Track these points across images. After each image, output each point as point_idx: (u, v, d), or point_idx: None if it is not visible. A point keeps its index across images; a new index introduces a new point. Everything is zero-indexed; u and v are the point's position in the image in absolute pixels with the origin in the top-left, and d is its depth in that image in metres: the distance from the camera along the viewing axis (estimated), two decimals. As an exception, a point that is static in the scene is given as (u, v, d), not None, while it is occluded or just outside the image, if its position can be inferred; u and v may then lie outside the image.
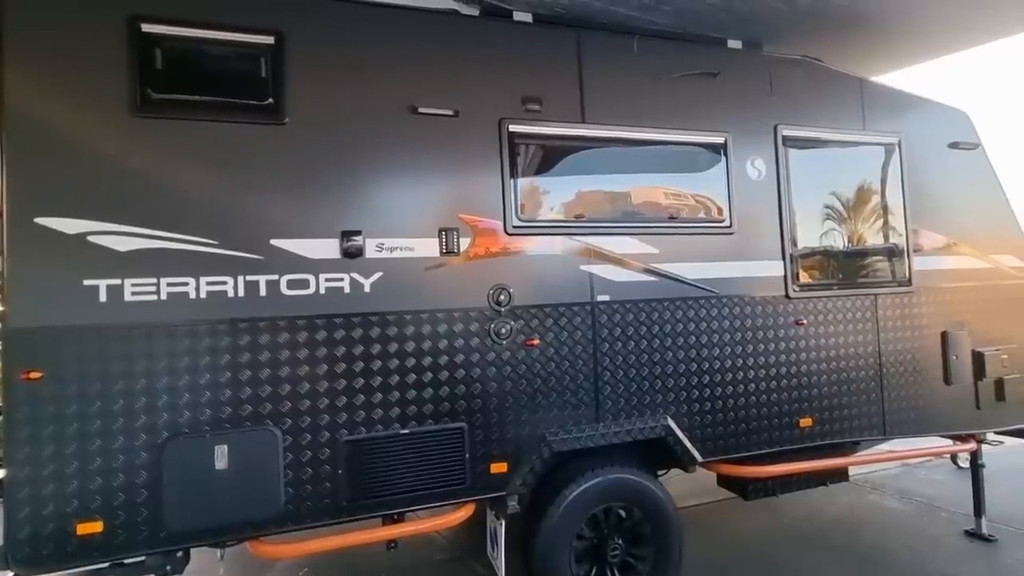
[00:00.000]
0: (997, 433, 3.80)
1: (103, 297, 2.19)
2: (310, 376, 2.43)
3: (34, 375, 2.10)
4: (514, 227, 2.75)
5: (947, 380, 3.51)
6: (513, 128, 2.77)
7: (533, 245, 2.80)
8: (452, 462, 2.61)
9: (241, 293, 2.34)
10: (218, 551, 2.55)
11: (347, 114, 2.54)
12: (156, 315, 2.24)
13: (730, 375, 3.08)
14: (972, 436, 3.76)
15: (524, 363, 2.74)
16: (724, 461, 3.14)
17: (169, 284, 2.27)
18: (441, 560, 3.74)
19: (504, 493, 2.69)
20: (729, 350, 3.09)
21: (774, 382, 3.17)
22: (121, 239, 2.22)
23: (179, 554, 2.38)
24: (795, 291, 3.25)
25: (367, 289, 2.51)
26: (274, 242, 2.40)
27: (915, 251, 3.54)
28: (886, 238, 3.57)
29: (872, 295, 3.44)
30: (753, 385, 3.12)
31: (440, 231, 2.63)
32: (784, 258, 3.24)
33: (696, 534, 3.84)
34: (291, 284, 2.41)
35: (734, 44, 3.34)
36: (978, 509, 3.88)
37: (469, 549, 3.77)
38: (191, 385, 2.28)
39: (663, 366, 2.97)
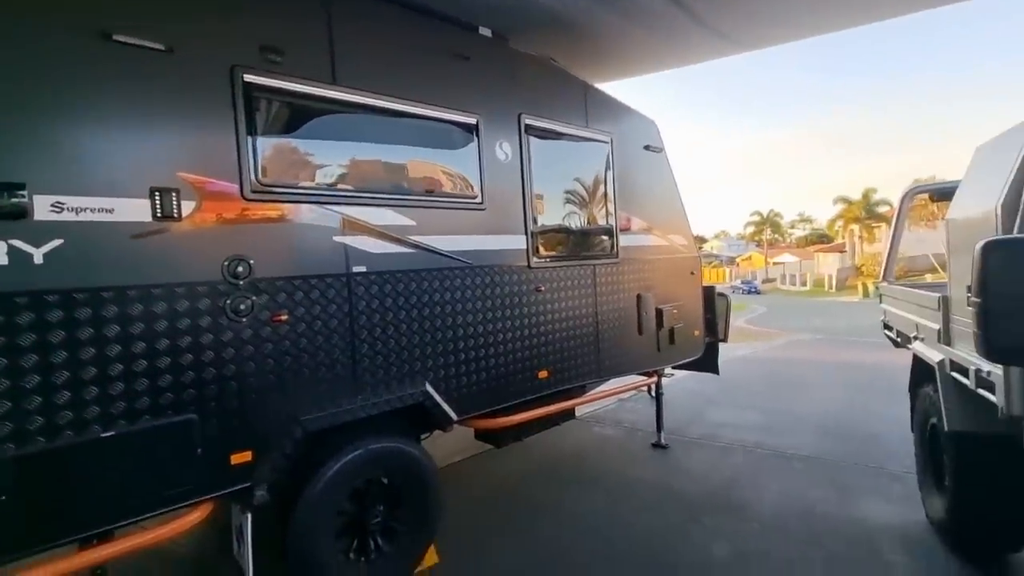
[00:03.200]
0: (671, 368, 5.10)
1: None
2: (-59, 379, 1.78)
3: None
4: (254, 192, 2.46)
5: (640, 331, 4.52)
6: (250, 78, 2.45)
7: (279, 213, 2.56)
8: (179, 460, 2.26)
9: None
10: None
11: (5, 24, 1.88)
12: None
13: (481, 339, 3.39)
14: (656, 372, 4.96)
15: (270, 341, 2.52)
16: (477, 417, 3.46)
17: None
18: (182, 571, 3.25)
19: (249, 484, 2.46)
20: (480, 316, 3.39)
21: (518, 342, 3.61)
22: None
23: None
24: (535, 262, 3.73)
25: (38, 260, 1.95)
26: None
27: (621, 231, 4.41)
28: (603, 219, 4.35)
29: (592, 265, 4.18)
30: (501, 346, 3.50)
31: (152, 191, 2.19)
32: (527, 233, 3.67)
33: (459, 485, 4.20)
34: None
35: (484, 32, 3.56)
36: (659, 426, 5.18)
37: (211, 551, 3.35)
38: None
39: (421, 334, 3.09)
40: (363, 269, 2.84)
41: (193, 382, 2.30)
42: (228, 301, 2.38)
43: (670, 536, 3.55)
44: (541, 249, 3.80)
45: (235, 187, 2.41)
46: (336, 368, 2.74)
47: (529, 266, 3.69)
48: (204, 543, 3.41)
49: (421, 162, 3.21)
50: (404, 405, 3.00)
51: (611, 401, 6.30)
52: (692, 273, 5.10)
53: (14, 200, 1.88)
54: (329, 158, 2.82)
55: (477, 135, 3.38)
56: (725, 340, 5.41)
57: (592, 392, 4.55)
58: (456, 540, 3.44)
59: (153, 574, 3.23)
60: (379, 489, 2.95)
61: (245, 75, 2.44)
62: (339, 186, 2.80)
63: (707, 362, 5.27)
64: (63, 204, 1.99)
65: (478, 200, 3.39)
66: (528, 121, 3.70)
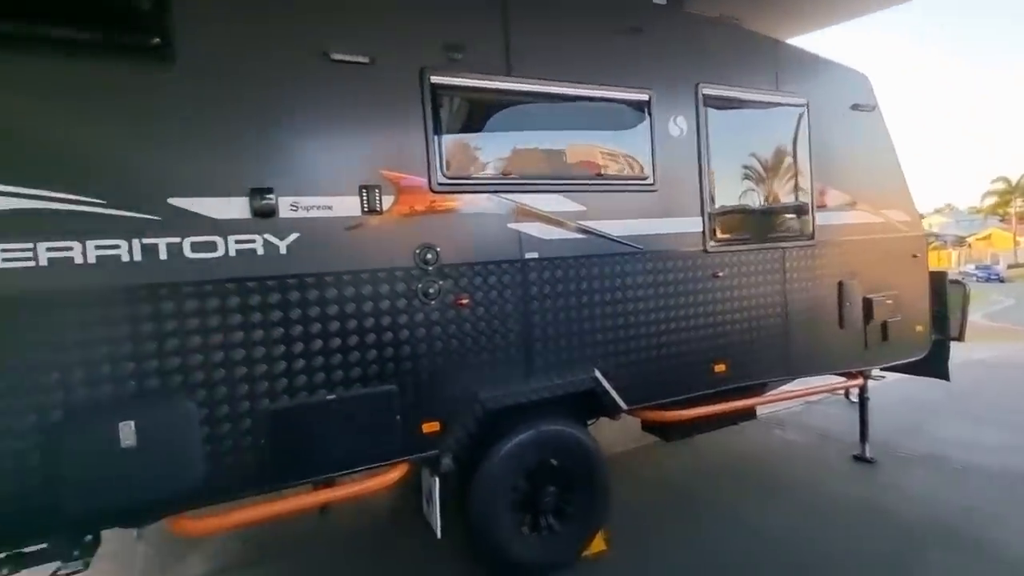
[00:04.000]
0: (881, 369, 4.29)
1: (-34, 265, 1.92)
2: (224, 344, 2.28)
3: None
4: (440, 184, 2.67)
5: (841, 324, 3.88)
6: (436, 79, 2.65)
7: (460, 203, 2.74)
8: (383, 424, 2.58)
9: (138, 257, 2.13)
10: (135, 531, 2.41)
11: (251, 59, 2.32)
12: (37, 282, 2.00)
13: (652, 327, 3.23)
14: (860, 373, 4.21)
15: (454, 323, 2.73)
16: (647, 407, 3.33)
17: (50, 249, 2.02)
18: (376, 521, 3.76)
19: (437, 452, 2.71)
20: (652, 303, 3.23)
21: (692, 332, 3.36)
22: (-18, 198, 1.94)
23: (88, 538, 2.23)
24: (712, 246, 3.42)
25: (283, 251, 2.37)
26: (173, 201, 2.19)
27: (818, 208, 3.81)
28: (795, 195, 3.81)
29: (781, 248, 3.69)
30: (674, 336, 3.30)
31: (361, 188, 2.51)
32: (703, 215, 3.39)
33: (625, 476, 4.11)
34: (196, 247, 2.22)
35: (658, 0, 3.34)
36: (863, 436, 4.41)
37: (404, 509, 3.81)
38: (87, 360, 2.07)
39: (591, 321, 3.06)
40: (535, 255, 2.90)
41: (393, 357, 2.60)
42: (419, 285, 2.64)
43: (879, 566, 3.00)
44: (719, 231, 3.47)
45: (424, 181, 2.64)
46: (511, 351, 2.86)
47: (705, 250, 3.40)
48: (400, 500, 3.90)
49: (590, 145, 3.16)
50: (574, 390, 3.01)
51: (796, 403, 5.56)
52: (915, 256, 4.20)
53: (266, 202, 2.32)
54: (503, 148, 2.93)
55: (649, 112, 3.20)
56: (961, 339, 4.36)
57: (776, 391, 4.06)
58: (621, 530, 3.37)
59: (360, 518, 3.78)
60: (550, 470, 3.02)
61: (432, 76, 2.64)
62: (512, 174, 2.89)
63: (933, 364, 4.31)
64: (298, 203, 2.39)
65: (648, 181, 3.22)
66: (707, 91, 3.38)
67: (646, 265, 3.21)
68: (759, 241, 3.63)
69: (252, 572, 3.23)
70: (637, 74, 3.17)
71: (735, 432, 4.36)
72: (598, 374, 3.06)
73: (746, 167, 3.68)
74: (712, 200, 3.43)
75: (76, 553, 2.20)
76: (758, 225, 3.69)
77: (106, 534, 2.34)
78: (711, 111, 3.41)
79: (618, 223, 3.12)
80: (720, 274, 3.45)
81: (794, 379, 3.91)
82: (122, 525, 2.30)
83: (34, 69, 2.01)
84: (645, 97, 3.19)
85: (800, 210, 3.80)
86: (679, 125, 3.32)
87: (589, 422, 3.34)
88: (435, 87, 2.65)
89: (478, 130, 2.88)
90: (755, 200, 3.70)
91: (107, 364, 2.11)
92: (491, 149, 2.90)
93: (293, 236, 2.39)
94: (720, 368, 3.45)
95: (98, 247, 2.08)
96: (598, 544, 3.22)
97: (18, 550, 2.12)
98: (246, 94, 2.31)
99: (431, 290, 2.66)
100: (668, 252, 3.28)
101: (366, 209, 2.51)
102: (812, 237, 3.79)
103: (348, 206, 2.48)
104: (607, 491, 3.14)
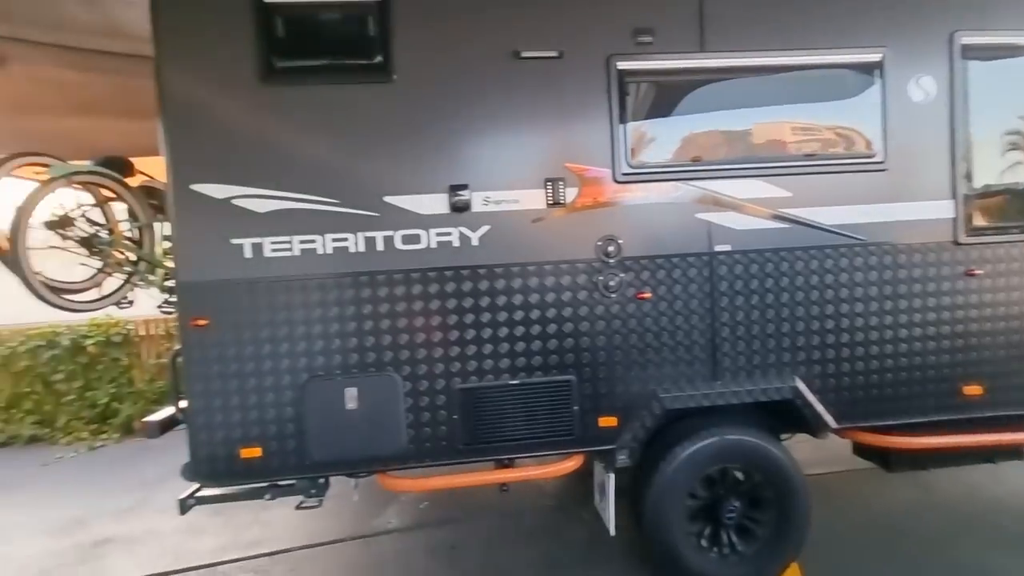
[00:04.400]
0: None
1: (248, 254, 2.44)
2: (425, 327, 2.54)
3: (201, 322, 2.43)
4: (624, 174, 2.59)
5: None
6: (623, 65, 2.56)
7: (644, 193, 2.62)
8: (561, 414, 2.62)
9: (361, 248, 2.49)
10: (353, 480, 2.85)
11: (451, 66, 2.51)
12: (292, 270, 2.47)
13: (876, 333, 2.71)
14: None
15: (635, 317, 2.63)
16: (864, 429, 2.81)
17: (301, 241, 2.47)
18: (549, 507, 3.87)
19: (613, 447, 2.66)
20: (876, 305, 2.70)
21: (933, 342, 2.73)
22: (259, 201, 2.44)
23: (321, 480, 2.70)
24: (967, 237, 2.72)
25: (475, 243, 2.54)
26: (388, 199, 2.50)
27: None
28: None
29: (1075, 239, 2.77)
30: (905, 345, 2.72)
31: (546, 182, 2.55)
32: (954, 197, 2.71)
33: (825, 504, 3.55)
34: (405, 239, 2.51)
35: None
36: None
37: (575, 498, 3.85)
38: (323, 334, 2.50)
39: (793, 322, 2.68)
40: (727, 248, 2.64)
41: (572, 348, 2.62)
42: (600, 278, 2.60)
43: None
44: (977, 218, 2.75)
45: (608, 171, 2.58)
46: (695, 350, 2.66)
47: (956, 241, 2.72)
48: (570, 488, 3.96)
49: (798, 121, 2.74)
50: (768, 399, 2.69)
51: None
52: None
53: (462, 197, 2.50)
54: (692, 132, 2.71)
55: (880, 74, 2.66)
56: None
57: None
58: (820, 567, 2.92)
59: (534, 501, 3.94)
60: (734, 482, 2.76)
61: (619, 63, 2.56)
62: (703, 160, 2.66)
63: None
64: (489, 198, 2.54)
65: (877, 158, 2.68)
66: (966, 40, 2.68)
67: (869, 260, 2.69)
68: (1040, 229, 2.78)
69: (435, 531, 3.60)
70: (866, 30, 2.65)
71: (988, 472, 3.45)
72: (800, 384, 2.68)
73: (1021, 134, 2.84)
74: (969, 179, 2.72)
75: (313, 491, 2.68)
76: (1039, 208, 2.82)
77: (333, 480, 2.81)
78: (972, 64, 2.69)
79: (833, 210, 2.67)
80: (977, 272, 2.73)
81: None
82: (345, 473, 2.73)
83: (306, 94, 2.44)
84: (876, 57, 2.65)
85: (1111, 187, 2.81)
86: (923, 87, 2.69)
87: (783, 436, 2.95)
88: (621, 73, 2.57)
89: (666, 115, 2.71)
90: (1034, 176, 2.83)
91: (338, 338, 2.51)
92: (679, 134, 2.71)
93: (484, 229, 2.54)
94: (972, 390, 2.75)
95: (334, 240, 2.48)
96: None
97: (275, 482, 2.66)
98: (447, 97, 2.51)
99: (612, 283, 2.60)
100: (901, 244, 2.70)
101: (550, 202, 2.55)
102: None
103: (534, 199, 2.55)
104: (804, 518, 2.74)
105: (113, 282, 3.33)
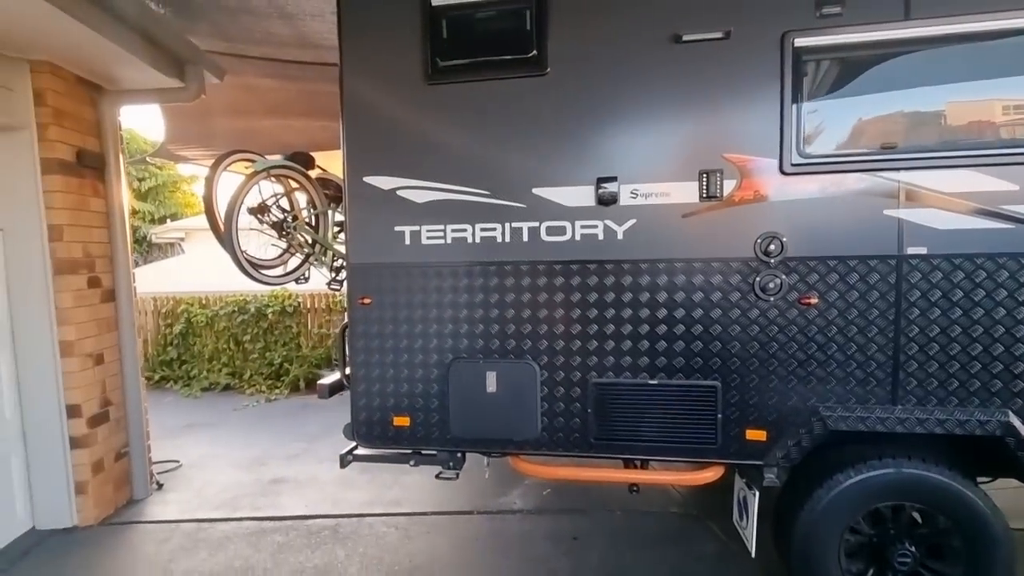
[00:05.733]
0: None
1: (407, 240, 2.66)
2: (565, 319, 2.56)
3: (366, 301, 2.71)
4: (794, 164, 2.32)
5: None
6: (801, 42, 2.28)
7: (817, 185, 2.33)
8: (702, 421, 2.48)
9: (508, 239, 2.57)
10: (486, 459, 2.99)
11: (605, 56, 2.46)
12: (444, 256, 2.63)
13: None
14: None
15: (795, 324, 2.37)
16: (1105, 484, 2.24)
17: (453, 230, 2.62)
18: (675, 514, 3.70)
19: (761, 463, 2.45)
20: None
21: None
22: (419, 192, 2.64)
23: (459, 455, 2.87)
24: None
25: (620, 236, 2.48)
26: (536, 191, 2.54)
27: None
28: None
29: None
30: None
31: (701, 174, 2.39)
32: None
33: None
34: (550, 231, 2.54)
35: None
36: None
37: (705, 509, 3.63)
38: (469, 318, 2.64)
39: (1009, 344, 2.21)
40: (922, 251, 2.25)
41: (719, 352, 2.44)
42: (757, 278, 2.38)
43: None
44: None
45: (774, 162, 2.34)
46: (871, 367, 2.32)
47: None
48: (698, 499, 3.75)
49: (1032, 98, 2.22)
50: (968, 433, 2.25)
51: None
52: None
53: (609, 190, 2.45)
54: (886, 114, 2.33)
55: None
56: None
57: None
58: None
59: (659, 506, 3.80)
60: (910, 523, 2.38)
61: (797, 39, 2.29)
62: (897, 147, 2.28)
63: None
64: (638, 191, 2.45)
65: None
66: None
67: None
68: None
69: (557, 519, 3.64)
70: None
71: None
72: (1014, 419, 2.20)
73: None
74: None
75: (452, 464, 2.87)
76: None
77: (469, 456, 2.98)
78: None
79: (1079, 208, 2.13)
80: None
81: None
82: (481, 451, 2.87)
83: (464, 90, 2.58)
84: None
85: None
86: None
87: (983, 479, 2.46)
88: (799, 51, 2.29)
89: (850, 96, 2.36)
90: None
91: (481, 323, 2.63)
92: (866, 118, 2.35)
93: (630, 222, 2.47)
94: None
95: (483, 229, 2.59)
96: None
97: (420, 451, 2.89)
98: (600, 88, 2.47)
99: (771, 285, 2.37)
100: None
101: (705, 195, 2.39)
102: None
103: (686, 192, 2.41)
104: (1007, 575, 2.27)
105: (294, 261, 3.86)
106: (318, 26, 3.68)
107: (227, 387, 7.30)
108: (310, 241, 3.79)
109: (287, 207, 3.70)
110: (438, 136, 2.62)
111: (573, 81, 2.49)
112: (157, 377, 7.58)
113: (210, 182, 3.47)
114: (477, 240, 2.60)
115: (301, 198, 3.81)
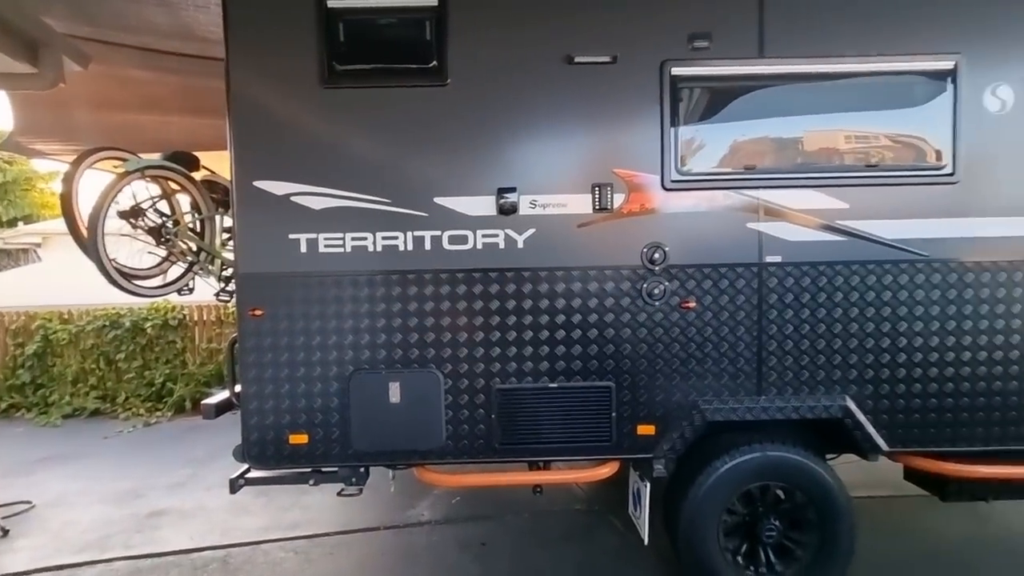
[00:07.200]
0: None
1: (303, 248, 2.55)
2: (468, 327, 2.59)
3: (257, 312, 2.56)
4: (673, 181, 2.56)
5: None
6: (677, 71, 2.53)
7: (693, 200, 2.58)
8: (598, 420, 2.62)
9: (410, 247, 2.56)
10: (391, 472, 2.93)
11: (504, 71, 2.54)
12: (343, 265, 2.56)
13: (936, 354, 2.58)
14: None
15: (678, 326, 2.60)
16: (919, 454, 2.68)
17: (353, 238, 2.56)
18: (579, 511, 3.87)
19: (650, 456, 2.64)
20: (938, 325, 2.57)
21: (999, 367, 2.57)
22: (316, 199, 2.55)
23: (362, 470, 2.78)
24: (1045, 256, 2.55)
25: (520, 245, 2.57)
26: (438, 200, 2.55)
27: None
28: None
29: None
30: (968, 369, 2.58)
31: (593, 187, 2.55)
32: (1031, 214, 2.54)
33: (871, 530, 3.40)
34: (452, 239, 2.56)
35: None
36: None
37: (606, 504, 3.82)
38: (370, 328, 2.58)
39: (845, 339, 2.59)
40: (778, 259, 2.57)
41: (613, 354, 2.61)
42: (644, 285, 2.58)
43: None
44: (1057, 237, 2.57)
45: (657, 178, 2.56)
46: (740, 363, 2.61)
47: (1033, 261, 2.55)
48: (600, 494, 3.94)
49: (859, 130, 2.64)
50: (816, 417, 2.60)
51: None
52: None
53: (510, 200, 2.53)
54: (746, 139, 2.65)
55: (953, 83, 2.52)
56: None
57: None
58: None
59: (564, 504, 3.94)
60: (775, 500, 2.69)
61: (673, 68, 2.53)
62: (757, 168, 2.60)
63: None
64: (536, 201, 2.56)
65: (946, 170, 2.55)
66: (1051, 47, 2.51)
67: (932, 277, 2.56)
68: None
69: (466, 527, 3.65)
70: (938, 36, 2.52)
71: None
72: (851, 404, 2.58)
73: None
74: (1048, 194, 2.55)
75: (354, 480, 2.78)
76: None
77: (372, 470, 2.90)
78: (1057, 74, 2.52)
79: (894, 223, 2.55)
80: (1054, 295, 2.55)
81: None
82: (385, 465, 2.81)
83: (363, 96, 2.53)
84: (948, 65, 2.52)
85: None
86: (1000, 96, 2.54)
87: (829, 456, 2.85)
88: (675, 79, 2.54)
89: (718, 121, 2.65)
90: None
91: (383, 333, 2.59)
92: (732, 141, 2.65)
93: (530, 232, 2.56)
94: (1045, 420, 2.58)
95: (384, 238, 2.55)
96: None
97: (319, 468, 2.76)
98: (499, 101, 2.55)
99: (656, 291, 2.57)
100: (970, 262, 2.56)
101: (597, 207, 2.55)
102: None
103: (581, 204, 2.56)
104: (848, 542, 2.64)
105: (176, 270, 3.54)
106: (203, 17, 3.43)
107: (96, 412, 6.46)
108: (194, 248, 3.49)
109: (166, 211, 3.39)
110: (336, 142, 2.55)
111: (474, 93, 2.55)
112: (4, 405, 6.53)
113: (70, 180, 3.09)
114: (378, 249, 2.56)
115: (184, 201, 3.51)
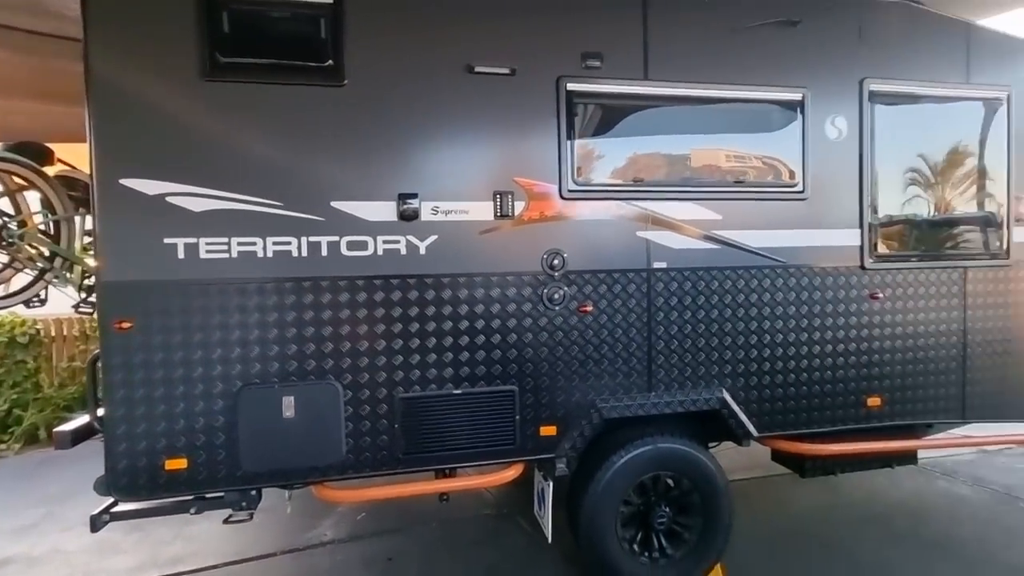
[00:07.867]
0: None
1: (181, 254, 2.33)
2: (369, 335, 2.51)
3: (125, 325, 2.29)
4: (570, 191, 2.68)
5: (1043, 364, 3.21)
6: (572, 86, 2.66)
7: (589, 209, 2.72)
8: (502, 423, 2.66)
9: (304, 253, 2.43)
10: (287, 492, 2.75)
11: (403, 75, 2.52)
12: (228, 272, 2.37)
13: (792, 349, 2.95)
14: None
15: (576, 329, 2.72)
16: (781, 437, 3.04)
17: (239, 243, 2.38)
18: (488, 515, 3.89)
19: (553, 455, 2.73)
20: (793, 323, 2.94)
21: (841, 358, 3.00)
22: (195, 200, 2.34)
23: (253, 493, 2.59)
24: (872, 262, 3.02)
25: (422, 252, 2.55)
26: (335, 204, 2.46)
27: (1017, 220, 3.19)
28: (981, 206, 3.23)
29: (960, 268, 3.15)
30: (818, 360, 2.98)
31: (495, 194, 2.61)
32: (862, 226, 3.01)
33: (746, 508, 3.79)
34: (351, 245, 2.48)
35: (819, -13, 3.02)
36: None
37: (515, 506, 3.89)
38: (261, 339, 2.41)
39: (721, 337, 2.87)
40: (663, 265, 2.79)
41: (516, 359, 2.67)
42: (545, 290, 2.67)
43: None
44: (881, 246, 3.06)
45: (555, 187, 2.67)
46: (632, 362, 2.79)
47: (863, 266, 3.01)
48: (509, 497, 4.00)
49: (729, 150, 2.95)
50: (697, 409, 2.85)
51: (968, 451, 4.71)
52: None
53: (411, 206, 2.51)
54: (635, 154, 2.86)
55: (801, 112, 2.92)
56: None
57: (941, 435, 3.48)
58: (741, 568, 3.11)
59: (473, 510, 3.95)
60: (665, 489, 2.90)
61: (568, 84, 2.66)
62: (644, 181, 2.81)
63: None
64: (438, 208, 2.56)
65: (798, 188, 2.93)
66: (874, 87, 2.99)
67: (789, 281, 2.93)
68: (932, 259, 3.13)
69: (372, 543, 3.53)
70: (790, 72, 2.90)
71: (887, 476, 3.82)
72: (726, 395, 2.86)
73: (919, 172, 3.19)
74: (874, 210, 3.03)
75: (244, 504, 2.57)
76: (931, 239, 3.19)
77: (265, 492, 2.70)
78: (879, 109, 3.01)
79: (759, 233, 2.89)
80: (879, 295, 3.04)
81: (969, 423, 3.31)
82: (280, 485, 2.63)
83: (251, 92, 2.37)
84: (798, 97, 2.91)
85: (989, 223, 3.21)
86: (837, 126, 2.98)
87: (711, 445, 3.14)
88: (571, 94, 2.67)
89: (610, 136, 2.84)
90: (929, 210, 3.20)
91: (276, 345, 2.43)
92: (623, 155, 2.85)
93: (432, 238, 2.55)
94: (874, 402, 3.04)
95: (275, 243, 2.41)
96: (715, 576, 3.02)
97: (202, 495, 2.52)
98: (399, 105, 2.52)
99: (556, 296, 2.68)
100: (816, 267, 2.96)
101: (499, 214, 2.61)
102: (1007, 256, 3.18)
103: (483, 211, 2.59)
104: (728, 521, 2.93)
105: (23, 278, 3.06)
106: (56, -8, 3.02)
107: (-85, 450, 5.37)
108: (46, 254, 3.05)
109: (8, 210, 2.93)
110: (220, 140, 2.37)
111: (374, 96, 2.49)
112: None
113: None
114: (269, 255, 2.41)
115: (32, 199, 3.05)
